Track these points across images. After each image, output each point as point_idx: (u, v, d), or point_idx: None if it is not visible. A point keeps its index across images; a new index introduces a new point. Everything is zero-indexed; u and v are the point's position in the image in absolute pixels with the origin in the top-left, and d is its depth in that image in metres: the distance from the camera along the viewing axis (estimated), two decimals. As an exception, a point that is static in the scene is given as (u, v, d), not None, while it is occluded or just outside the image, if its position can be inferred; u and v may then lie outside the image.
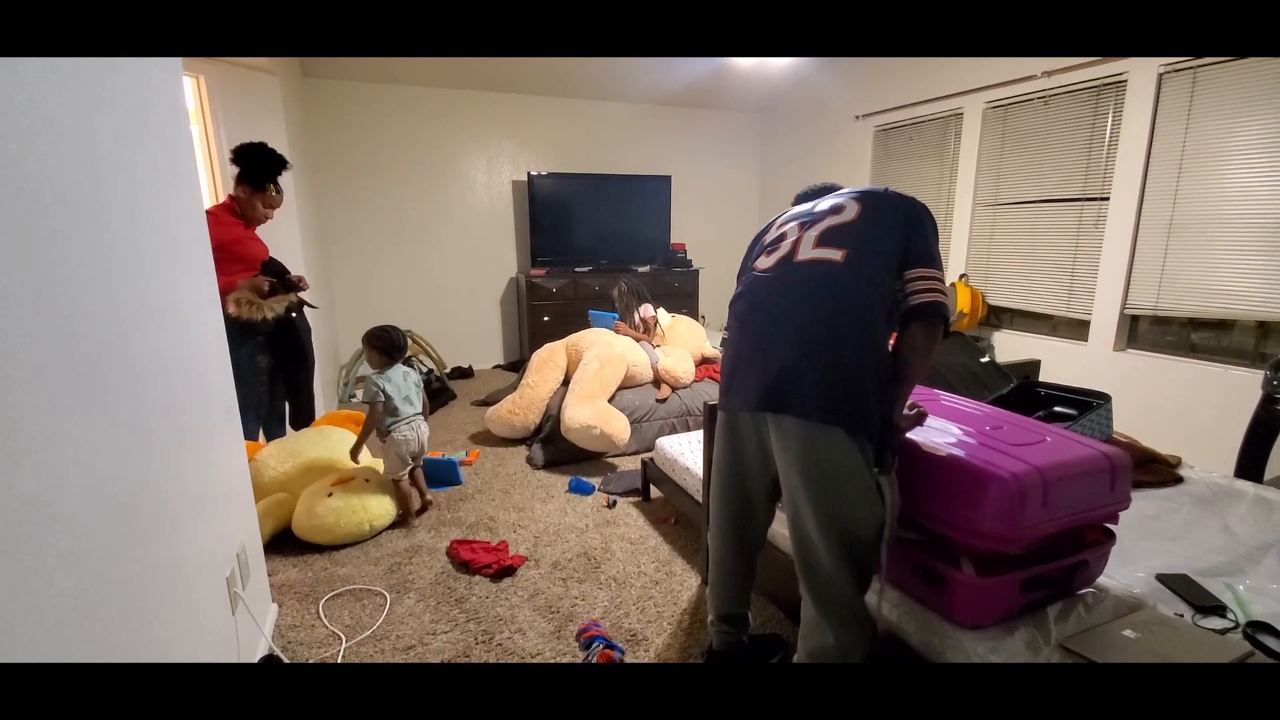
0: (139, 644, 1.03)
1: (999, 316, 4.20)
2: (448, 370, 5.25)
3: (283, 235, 2.94)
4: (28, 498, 0.76)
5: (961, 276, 4.21)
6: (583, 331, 3.93)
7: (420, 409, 2.69)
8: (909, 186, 4.39)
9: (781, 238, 1.48)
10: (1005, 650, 1.29)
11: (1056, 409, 2.42)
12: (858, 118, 4.88)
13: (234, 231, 2.60)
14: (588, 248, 5.51)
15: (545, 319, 5.14)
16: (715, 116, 5.99)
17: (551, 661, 1.79)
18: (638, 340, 3.80)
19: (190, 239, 1.52)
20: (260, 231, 2.79)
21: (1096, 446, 1.42)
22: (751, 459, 1.47)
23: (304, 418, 3.01)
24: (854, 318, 1.30)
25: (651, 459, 2.76)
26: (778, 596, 1.96)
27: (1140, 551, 1.69)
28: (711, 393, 3.48)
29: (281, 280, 2.74)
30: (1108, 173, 3.38)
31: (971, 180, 4.12)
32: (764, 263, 1.47)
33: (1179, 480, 2.14)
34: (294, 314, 2.82)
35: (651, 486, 2.80)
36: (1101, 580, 1.51)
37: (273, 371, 2.85)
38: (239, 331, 2.59)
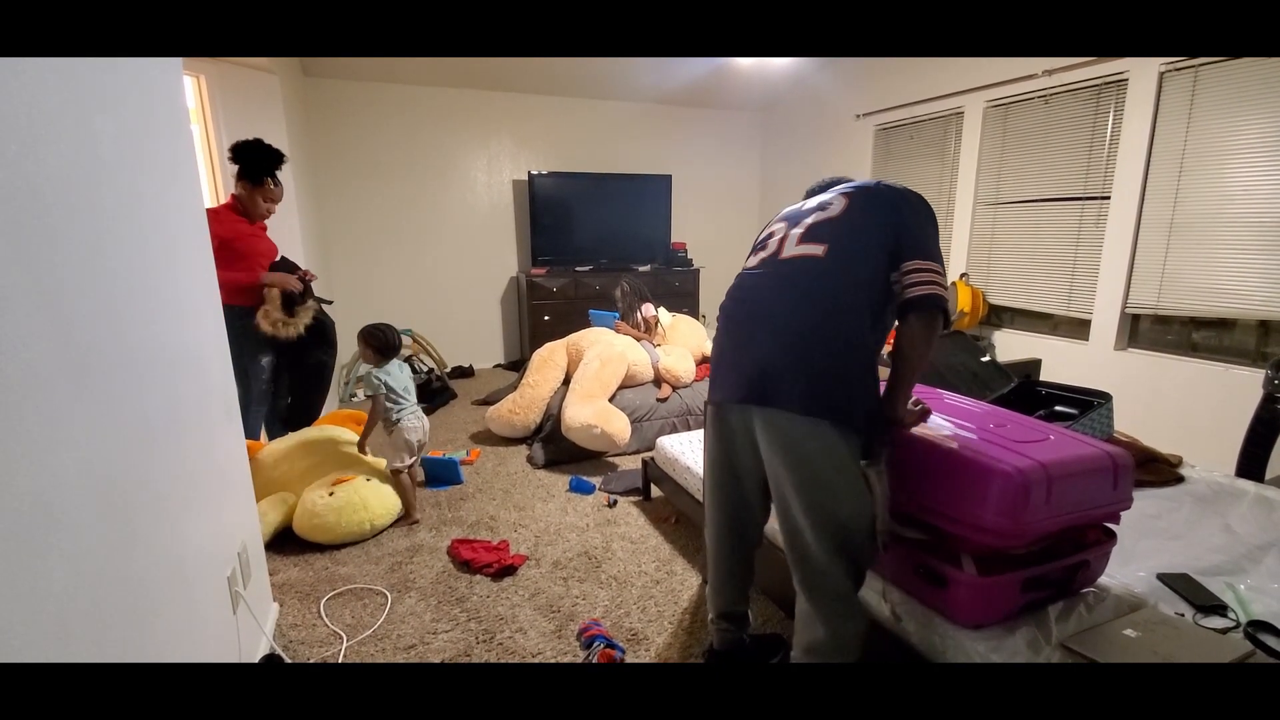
0: (140, 643, 1.03)
1: (1000, 316, 4.19)
2: (448, 369, 5.25)
3: (283, 235, 2.95)
4: (28, 497, 0.76)
5: (962, 276, 4.21)
6: (583, 331, 3.93)
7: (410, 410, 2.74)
8: (909, 185, 4.37)
9: (770, 236, 1.50)
10: (1006, 650, 1.29)
11: (1057, 408, 2.42)
12: (858, 117, 4.87)
13: (235, 227, 2.62)
14: (588, 247, 5.51)
15: (546, 318, 5.14)
16: (715, 116, 5.99)
17: (552, 661, 1.79)
18: (638, 339, 3.80)
19: (191, 238, 1.52)
20: (261, 231, 2.80)
21: (1100, 445, 1.42)
22: (742, 452, 1.47)
23: (305, 416, 3.01)
24: (834, 312, 1.31)
25: (652, 458, 2.76)
26: (778, 595, 1.96)
27: (1141, 551, 1.69)
28: (712, 392, 3.47)
29: (301, 289, 2.80)
30: (1109, 172, 3.38)
31: (972, 179, 4.12)
32: (752, 261, 1.51)
33: (1180, 479, 2.14)
34: (320, 319, 2.89)
35: (652, 486, 2.80)
36: (1102, 580, 1.51)
37: (276, 370, 2.86)
38: (256, 337, 2.64)
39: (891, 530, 1.49)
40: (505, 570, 2.23)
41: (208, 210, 2.54)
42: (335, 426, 2.92)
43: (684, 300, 5.55)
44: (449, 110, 5.15)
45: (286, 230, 3.34)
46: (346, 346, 4.88)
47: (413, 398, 2.73)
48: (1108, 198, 3.39)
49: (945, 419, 1.58)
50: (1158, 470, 2.16)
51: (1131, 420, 3.12)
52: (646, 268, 5.60)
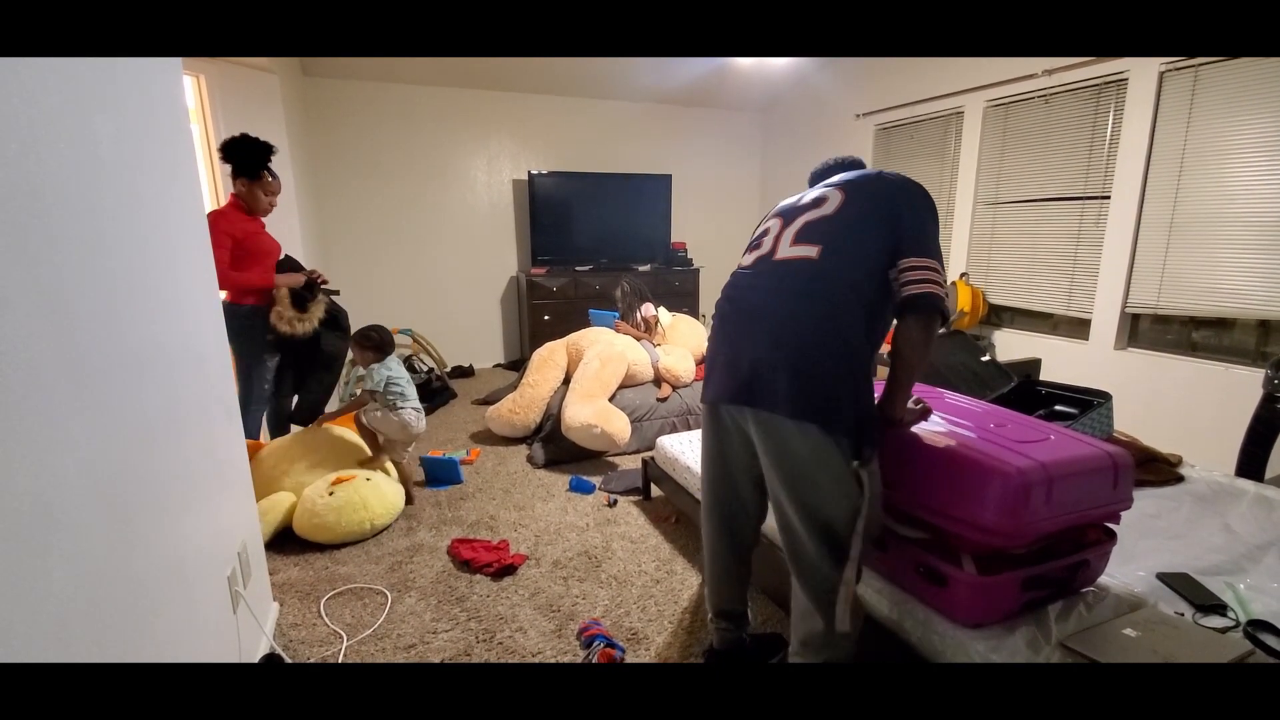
0: (140, 643, 1.03)
1: (1000, 315, 4.19)
2: (448, 369, 5.25)
3: (283, 235, 2.96)
4: (28, 497, 0.76)
5: (962, 275, 4.21)
6: (583, 330, 3.93)
7: (418, 405, 2.86)
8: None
9: (765, 233, 1.49)
10: (1006, 649, 1.29)
11: (1057, 408, 2.42)
12: (858, 116, 4.87)
13: (244, 227, 2.64)
14: (588, 246, 5.51)
15: (546, 318, 5.14)
16: (715, 116, 5.98)
17: (552, 660, 1.79)
18: (638, 339, 3.80)
19: (190, 238, 1.52)
20: (262, 231, 2.81)
21: (1100, 445, 1.42)
22: (736, 450, 1.48)
23: (316, 406, 3.01)
24: (827, 315, 1.30)
25: (652, 458, 2.76)
26: (778, 595, 1.96)
27: (1141, 550, 1.69)
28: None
29: (309, 285, 2.84)
30: (1109, 171, 3.38)
31: (972, 179, 4.12)
32: (746, 260, 1.50)
33: (1180, 479, 2.14)
34: (332, 310, 2.93)
35: (652, 485, 2.80)
36: (1102, 579, 1.51)
37: (280, 370, 2.86)
38: (265, 335, 2.67)
39: (890, 529, 1.50)
40: (505, 570, 2.23)
41: (215, 212, 2.58)
42: (337, 427, 2.92)
43: (684, 300, 5.55)
44: (449, 110, 5.15)
45: (287, 230, 3.34)
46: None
47: (413, 397, 2.80)
48: (1108, 197, 3.39)
49: (945, 418, 1.58)
50: (1157, 470, 2.16)
51: (1131, 420, 3.12)
52: (646, 267, 5.60)
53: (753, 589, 1.69)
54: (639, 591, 2.11)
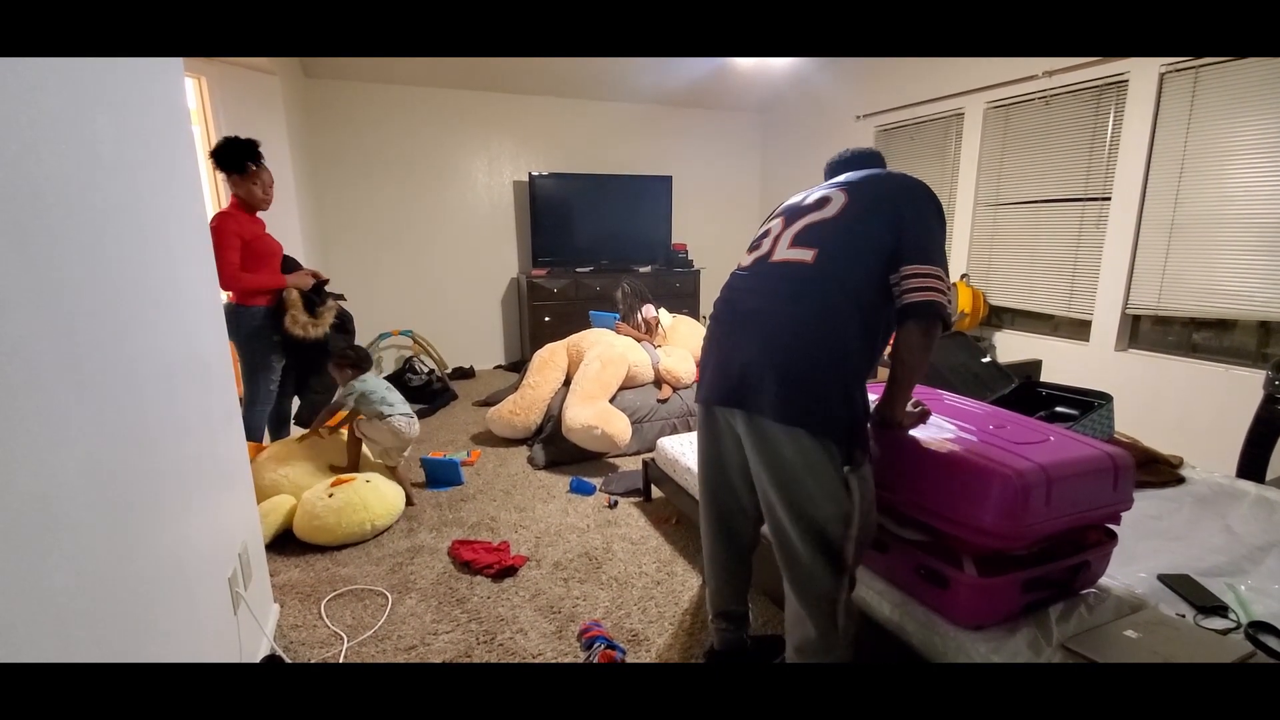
0: (141, 644, 1.03)
1: (1000, 317, 4.19)
2: (449, 370, 5.25)
3: (284, 235, 2.96)
4: (28, 497, 0.76)
5: (963, 277, 4.21)
6: (584, 332, 3.93)
7: (408, 411, 2.82)
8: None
9: (767, 234, 1.48)
10: (1007, 650, 1.29)
11: (1058, 409, 2.42)
12: (858, 118, 4.88)
13: (251, 228, 2.67)
14: (589, 248, 5.51)
15: (546, 319, 5.14)
16: (716, 116, 5.99)
17: (553, 662, 1.79)
18: (639, 340, 3.80)
19: (191, 238, 1.52)
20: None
21: (1100, 446, 1.42)
22: (731, 450, 1.47)
23: (311, 415, 3.02)
24: (818, 319, 1.29)
25: (653, 459, 2.76)
26: (778, 596, 1.95)
27: (1142, 552, 1.69)
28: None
29: (318, 289, 2.87)
30: (1109, 173, 3.38)
31: (973, 180, 4.12)
32: (746, 260, 1.49)
33: (1180, 480, 2.14)
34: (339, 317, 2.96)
35: (653, 487, 2.80)
36: (1103, 580, 1.51)
37: (284, 371, 2.87)
38: (271, 339, 2.68)
39: (890, 531, 1.49)
40: (506, 571, 2.23)
41: (221, 213, 2.61)
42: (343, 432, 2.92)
43: (684, 301, 5.55)
44: (449, 111, 5.15)
45: (287, 230, 3.35)
46: (363, 337, 4.91)
47: (400, 403, 2.79)
48: (1108, 199, 3.39)
49: (945, 420, 1.58)
50: (1158, 471, 2.16)
51: (1132, 421, 3.12)
52: (647, 269, 5.60)
53: (753, 590, 1.69)
54: (639, 593, 2.11)
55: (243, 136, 2.65)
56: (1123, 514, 1.44)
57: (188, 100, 1.81)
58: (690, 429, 3.52)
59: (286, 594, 2.12)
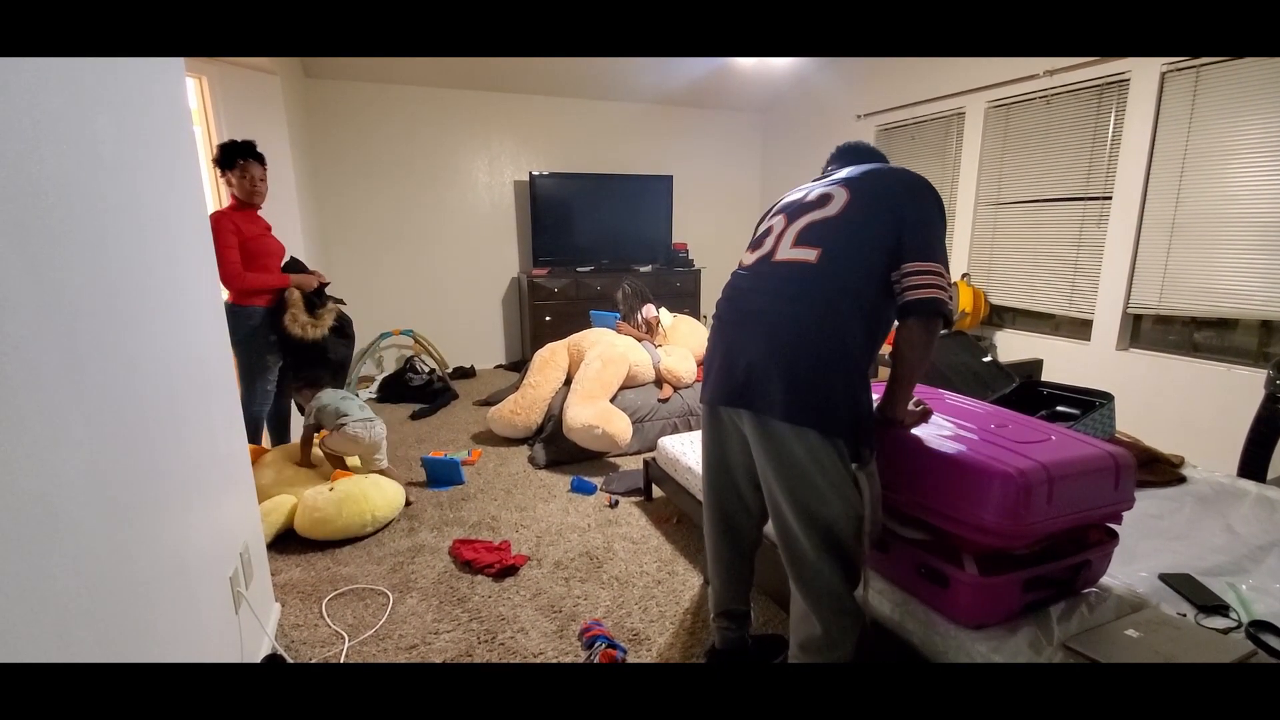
0: (141, 643, 1.04)
1: (1001, 316, 4.19)
2: (449, 370, 5.25)
3: (284, 235, 2.97)
4: (29, 497, 0.76)
5: (964, 276, 4.20)
6: (584, 331, 3.93)
7: (367, 416, 2.78)
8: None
9: (768, 232, 1.48)
10: (1008, 650, 1.29)
11: (1059, 408, 2.42)
12: (859, 117, 4.87)
13: (249, 227, 2.68)
14: (589, 247, 5.51)
15: (547, 319, 5.14)
16: (716, 116, 5.98)
17: (554, 661, 1.79)
18: (639, 340, 3.80)
19: (192, 238, 1.52)
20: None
21: (1101, 446, 1.42)
22: (735, 450, 1.47)
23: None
24: (822, 319, 1.29)
25: (653, 459, 2.76)
26: (779, 595, 1.96)
27: (1143, 551, 1.69)
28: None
29: (319, 291, 2.87)
30: (1110, 172, 3.38)
31: (974, 180, 4.11)
32: (747, 259, 1.49)
33: (1182, 480, 2.14)
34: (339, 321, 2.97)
35: (654, 486, 2.80)
36: (1104, 580, 1.51)
37: (282, 372, 2.87)
38: (269, 339, 2.68)
39: (891, 530, 1.49)
40: (507, 570, 2.23)
41: (219, 212, 2.61)
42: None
43: (685, 301, 5.55)
44: (449, 111, 5.15)
45: (288, 230, 3.35)
46: (364, 337, 4.92)
47: (356, 410, 2.75)
48: (1109, 198, 3.38)
49: (947, 419, 1.58)
50: (1159, 470, 2.16)
51: (1133, 420, 3.11)
52: (648, 268, 5.59)
53: (754, 589, 1.69)
54: (640, 592, 2.11)
55: (242, 139, 2.67)
56: (1124, 513, 1.44)
57: (189, 100, 1.81)
58: (691, 428, 3.52)
59: (288, 593, 2.12)
